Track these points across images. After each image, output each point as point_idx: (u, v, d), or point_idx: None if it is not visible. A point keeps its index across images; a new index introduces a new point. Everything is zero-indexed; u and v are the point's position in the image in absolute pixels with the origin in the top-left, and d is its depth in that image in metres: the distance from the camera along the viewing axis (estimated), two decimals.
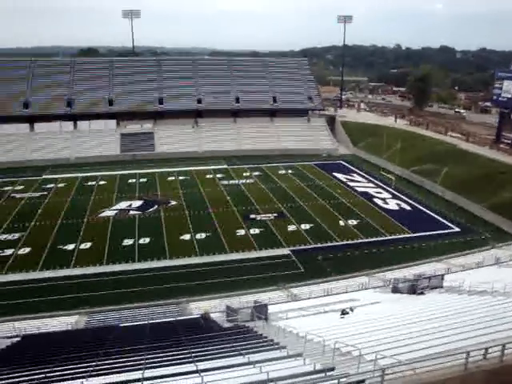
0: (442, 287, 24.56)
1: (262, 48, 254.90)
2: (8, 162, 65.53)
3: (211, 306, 27.50)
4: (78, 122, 74.28)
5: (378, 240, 40.28)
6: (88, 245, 39.36)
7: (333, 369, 10.32)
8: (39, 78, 78.90)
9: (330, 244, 39.46)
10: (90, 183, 57.82)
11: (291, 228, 42.93)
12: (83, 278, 33.60)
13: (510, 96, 59.86)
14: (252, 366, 11.73)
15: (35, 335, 24.29)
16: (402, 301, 23.15)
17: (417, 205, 49.62)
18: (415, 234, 41.38)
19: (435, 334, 12.81)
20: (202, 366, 12.25)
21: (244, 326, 21.38)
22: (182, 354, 14.68)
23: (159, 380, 11.19)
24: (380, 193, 53.87)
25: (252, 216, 45.91)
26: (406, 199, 51.39)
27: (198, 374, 11.13)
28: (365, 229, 42.57)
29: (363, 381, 8.52)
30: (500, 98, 62.44)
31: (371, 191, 54.47)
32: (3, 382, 13.17)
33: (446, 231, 42.49)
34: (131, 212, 47.45)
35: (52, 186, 57.02)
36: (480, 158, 55.11)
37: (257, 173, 62.59)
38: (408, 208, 48.83)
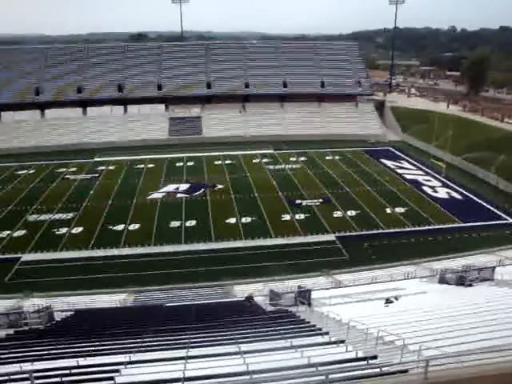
0: (492, 280, 23.77)
1: (311, 31, 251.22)
2: (62, 145, 68.23)
3: (255, 290, 27.83)
4: (128, 107, 76.16)
5: (426, 229, 39.31)
6: (136, 226, 40.60)
7: (375, 357, 10.29)
8: (92, 64, 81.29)
9: (375, 231, 38.90)
10: (138, 166, 59.37)
11: (337, 214, 42.58)
12: (131, 258, 34.79)
13: None
14: (294, 350, 11.85)
15: (87, 310, 25.45)
16: (449, 292, 22.62)
17: (468, 194, 47.94)
18: (465, 224, 40.07)
19: (483, 327, 12.48)
20: (244, 347, 12.49)
21: (287, 310, 21.55)
22: (225, 335, 15.00)
23: (202, 359, 11.51)
24: (429, 181, 52.39)
25: (298, 201, 45.83)
26: (457, 188, 49.74)
27: (240, 356, 11.36)
28: (412, 217, 41.62)
29: (406, 371, 8.45)
30: None
31: (420, 179, 53.06)
32: (58, 351, 13.93)
33: (499, 222, 40.89)
34: (178, 195, 48.43)
35: (103, 168, 58.96)
36: None
37: (303, 158, 62.23)
38: (459, 197, 47.29)
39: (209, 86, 79.24)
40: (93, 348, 14.02)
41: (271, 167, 57.98)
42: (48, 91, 76.57)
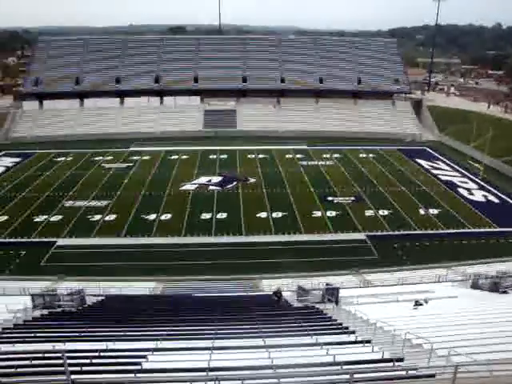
0: None
1: (349, 27, 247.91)
2: (100, 134, 69.68)
3: (283, 285, 27.85)
4: (165, 98, 77.14)
5: (460, 232, 38.37)
6: (168, 216, 41.17)
7: (402, 359, 10.17)
8: (130, 55, 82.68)
9: (407, 232, 38.25)
10: (172, 157, 60.11)
11: (369, 213, 42.07)
12: (162, 248, 35.32)
13: None
14: (319, 347, 11.84)
15: (117, 296, 26.03)
16: (482, 298, 22.08)
17: (506, 198, 46.53)
18: (502, 229, 38.88)
19: None
20: (269, 341, 12.55)
21: (314, 307, 21.50)
22: (251, 329, 15.10)
23: (228, 351, 11.63)
24: (466, 183, 51.08)
25: (329, 198, 45.51)
26: (495, 191, 48.33)
27: (265, 350, 11.42)
28: (446, 219, 40.71)
29: (433, 375, 8.32)
30: None
31: (456, 180, 51.81)
32: (88, 334, 14.34)
33: None
34: (210, 187, 48.82)
35: (138, 158, 59.96)
36: None
37: (337, 155, 61.67)
38: (496, 201, 45.95)
39: (244, 79, 79.37)
40: (122, 333, 14.36)
41: (304, 163, 57.71)
42: (87, 81, 78.36)
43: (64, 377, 7.73)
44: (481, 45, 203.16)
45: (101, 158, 60.10)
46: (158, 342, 12.71)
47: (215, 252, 34.63)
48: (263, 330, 14.65)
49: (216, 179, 51.27)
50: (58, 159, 59.63)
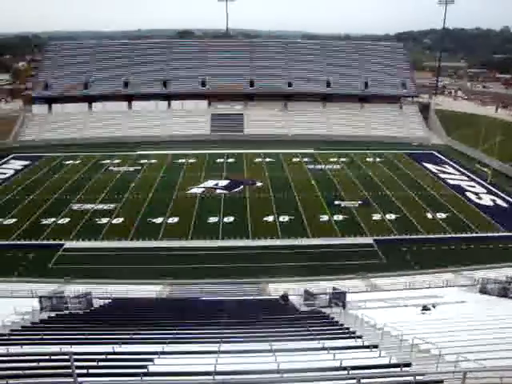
0: None
1: (356, 31, 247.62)
2: (108, 137, 70.09)
3: (290, 289, 27.80)
4: (172, 102, 77.40)
5: (468, 236, 38.12)
6: (175, 219, 41.25)
7: (409, 364, 10.10)
8: (138, 59, 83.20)
9: (415, 236, 38.05)
10: (180, 161, 60.27)
11: (376, 217, 41.92)
12: (169, 251, 35.37)
13: None
14: (326, 351, 11.78)
15: (124, 299, 26.09)
16: (490, 303, 21.90)
17: None
18: (510, 233, 38.59)
19: None
20: (276, 346, 12.51)
21: (321, 311, 21.44)
22: (257, 332, 15.07)
23: (234, 354, 11.60)
24: (473, 187, 50.77)
25: (336, 202, 45.40)
26: (503, 195, 47.98)
27: (271, 354, 11.39)
28: (454, 223, 40.47)
29: (441, 381, 8.25)
30: None
31: (464, 184, 51.52)
32: (95, 336, 14.37)
33: None
34: (218, 191, 48.88)
35: (145, 161, 60.19)
36: None
37: (344, 159, 61.56)
38: (504, 205, 45.62)
39: (252, 83, 79.51)
40: (128, 336, 14.38)
41: (311, 167, 57.66)
42: (96, 85, 78.84)
43: (71, 379, 7.75)
44: (488, 48, 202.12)
45: (108, 161, 60.39)
46: (165, 346, 12.71)
47: (222, 255, 34.63)
48: (270, 333, 14.62)
49: (223, 183, 51.33)
50: (67, 162, 59.99)
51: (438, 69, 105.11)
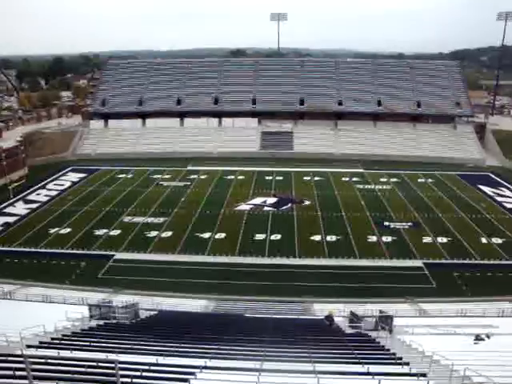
0: None
1: (409, 50, 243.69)
2: (160, 152, 72.08)
3: (335, 310, 27.29)
4: (223, 119, 78.78)
5: None
6: (222, 235, 41.62)
7: None
8: (191, 78, 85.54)
9: (468, 261, 36.54)
10: (229, 177, 61.00)
11: (426, 240, 40.63)
12: (215, 266, 35.67)
13: None
14: (371, 377, 11.44)
15: (169, 312, 26.44)
16: None
17: None
18: None
19: None
20: (319, 367, 12.26)
21: (367, 334, 20.88)
22: (301, 353, 14.83)
23: (276, 373, 11.46)
24: None
25: (386, 223, 44.43)
26: None
27: (314, 375, 11.17)
28: (511, 249, 38.58)
29: None
30: None
31: None
32: (140, 347, 14.62)
33: None
34: (265, 208, 49.00)
35: (195, 177, 61.32)
36: None
37: (394, 179, 60.30)
38: None
39: (302, 102, 79.79)
40: (172, 348, 14.52)
41: (360, 186, 56.83)
42: (150, 102, 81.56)
43: None
44: None
45: (159, 175, 61.98)
46: (207, 360, 12.74)
47: (267, 273, 34.55)
48: (313, 354, 14.35)
49: (271, 200, 51.43)
50: (120, 176, 62.08)
51: (495, 87, 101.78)
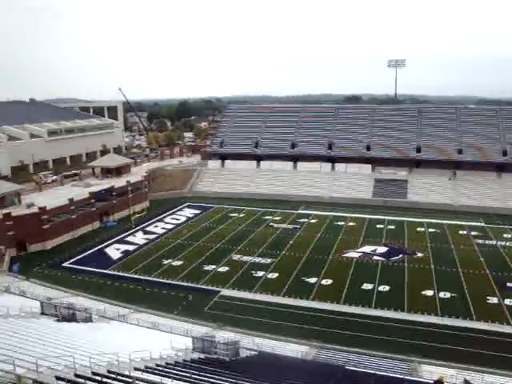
0: None
1: None
2: (272, 194, 73.69)
3: (446, 375, 24.97)
4: (336, 164, 78.63)
5: None
6: (329, 281, 40.74)
7: None
8: (306, 122, 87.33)
9: None
10: (339, 223, 60.08)
11: None
12: (319, 312, 34.85)
13: None
14: None
15: (269, 354, 26.12)
16: None
17: None
18: None
19: None
20: None
21: None
22: None
23: None
24: None
25: (509, 284, 40.25)
26: None
27: None
28: None
29: None
30: None
31: None
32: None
33: None
34: (375, 257, 47.24)
35: (305, 220, 61.34)
36: None
37: None
38: None
39: (418, 149, 77.02)
40: None
41: (480, 241, 52.47)
42: (265, 144, 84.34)
43: None
44: None
45: (270, 217, 63.01)
46: None
47: (373, 325, 32.91)
48: None
49: (381, 249, 49.52)
50: (232, 215, 64.23)
51: None
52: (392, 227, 58.21)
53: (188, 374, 15.04)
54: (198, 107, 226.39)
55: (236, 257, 47.13)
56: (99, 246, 51.33)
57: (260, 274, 42.55)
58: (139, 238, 53.87)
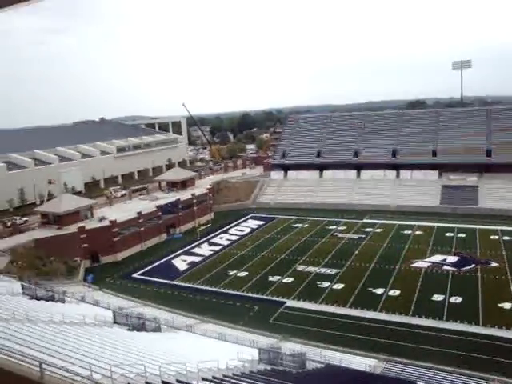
0: None
1: None
2: (336, 203, 72.72)
3: None
4: (401, 172, 76.49)
5: None
6: (396, 292, 39.49)
7: None
8: (369, 130, 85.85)
9: None
10: (406, 232, 58.23)
11: None
12: (387, 325, 33.79)
13: None
14: None
15: (337, 367, 25.61)
16: None
17: None
18: None
19: None
20: None
21: None
22: None
23: None
24: None
25: None
26: None
27: None
28: None
29: None
30: None
31: None
32: None
33: None
34: (445, 267, 45.26)
35: (370, 230, 60.00)
36: None
37: None
38: None
39: (489, 153, 73.28)
40: None
41: None
42: (327, 154, 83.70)
43: None
44: None
45: (335, 227, 62.18)
46: None
47: (444, 339, 31.42)
48: None
49: (452, 259, 47.38)
50: (296, 225, 64.04)
51: None
52: (462, 235, 55.58)
53: None
54: (260, 119, 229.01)
55: (301, 267, 46.83)
56: (166, 258, 52.88)
57: (325, 284, 42.00)
58: (205, 250, 54.95)
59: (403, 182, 75.27)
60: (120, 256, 53.58)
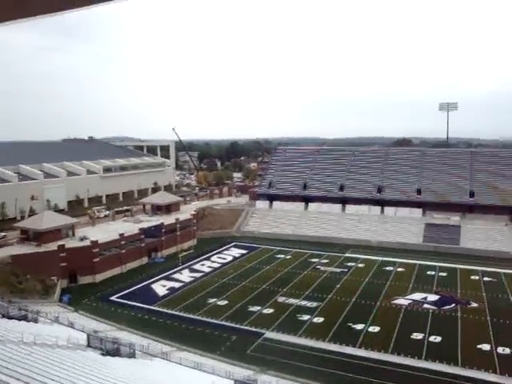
0: None
1: None
2: (319, 236, 72.78)
3: None
4: (385, 208, 77.13)
5: None
6: (376, 329, 39.15)
7: None
8: (355, 165, 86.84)
9: None
10: (388, 268, 58.24)
11: None
12: (366, 361, 33.34)
13: None
14: None
15: None
16: None
17: None
18: None
19: None
20: None
21: None
22: None
23: None
24: None
25: None
26: None
27: None
28: None
29: None
30: None
31: None
32: None
33: None
34: (425, 305, 45.17)
35: (353, 264, 59.90)
36: None
37: None
38: None
39: (472, 194, 74.44)
40: None
41: None
42: (313, 186, 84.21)
43: None
44: None
45: (317, 259, 61.97)
46: None
47: (423, 378, 31.05)
48: None
49: (432, 297, 47.35)
50: (279, 256, 63.73)
51: None
52: (444, 274, 55.76)
53: None
54: (248, 148, 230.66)
55: (281, 299, 46.33)
56: (146, 282, 52.03)
57: (305, 317, 41.52)
58: (185, 276, 54.21)
59: (387, 218, 75.81)
60: (99, 277, 52.56)
